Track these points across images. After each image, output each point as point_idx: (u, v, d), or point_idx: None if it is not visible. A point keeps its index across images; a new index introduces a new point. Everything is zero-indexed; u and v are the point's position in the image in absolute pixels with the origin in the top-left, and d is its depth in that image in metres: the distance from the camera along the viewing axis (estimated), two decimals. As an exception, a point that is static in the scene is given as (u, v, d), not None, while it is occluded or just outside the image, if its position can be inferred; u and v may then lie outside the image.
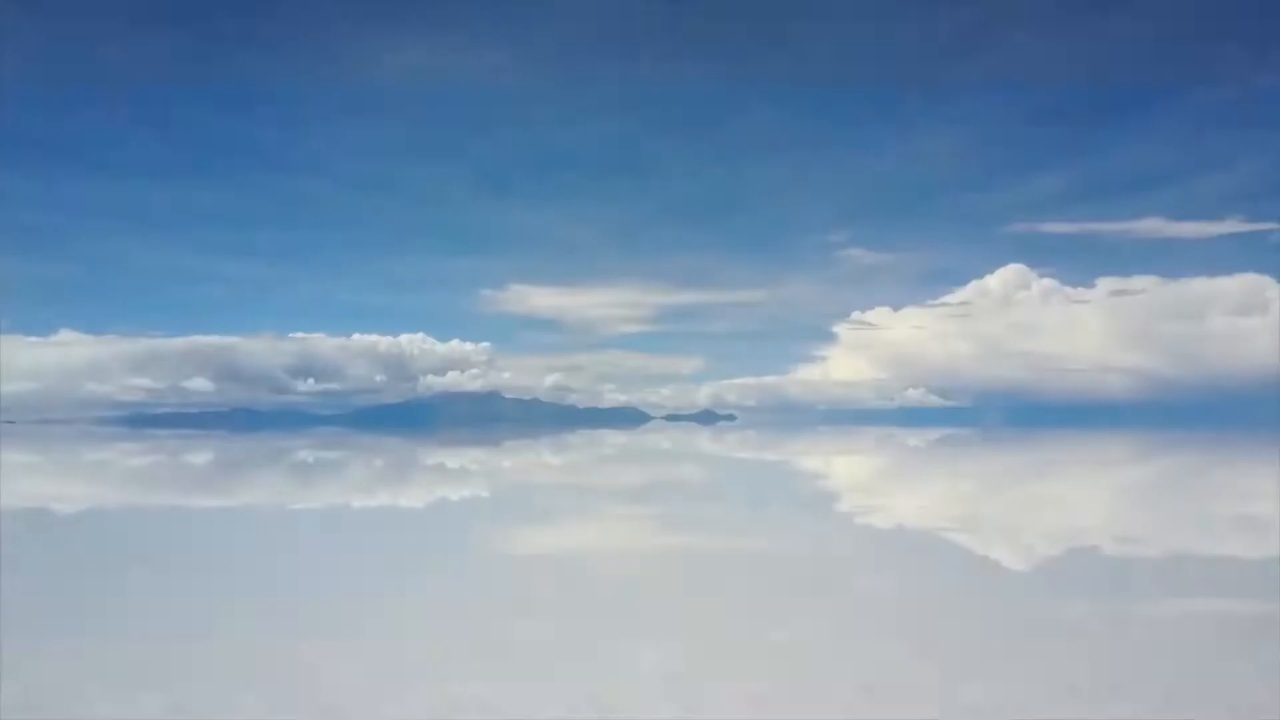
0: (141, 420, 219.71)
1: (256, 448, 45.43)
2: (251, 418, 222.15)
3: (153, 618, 6.94)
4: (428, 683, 5.28)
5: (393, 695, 5.04)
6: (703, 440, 61.01)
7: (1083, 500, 18.61)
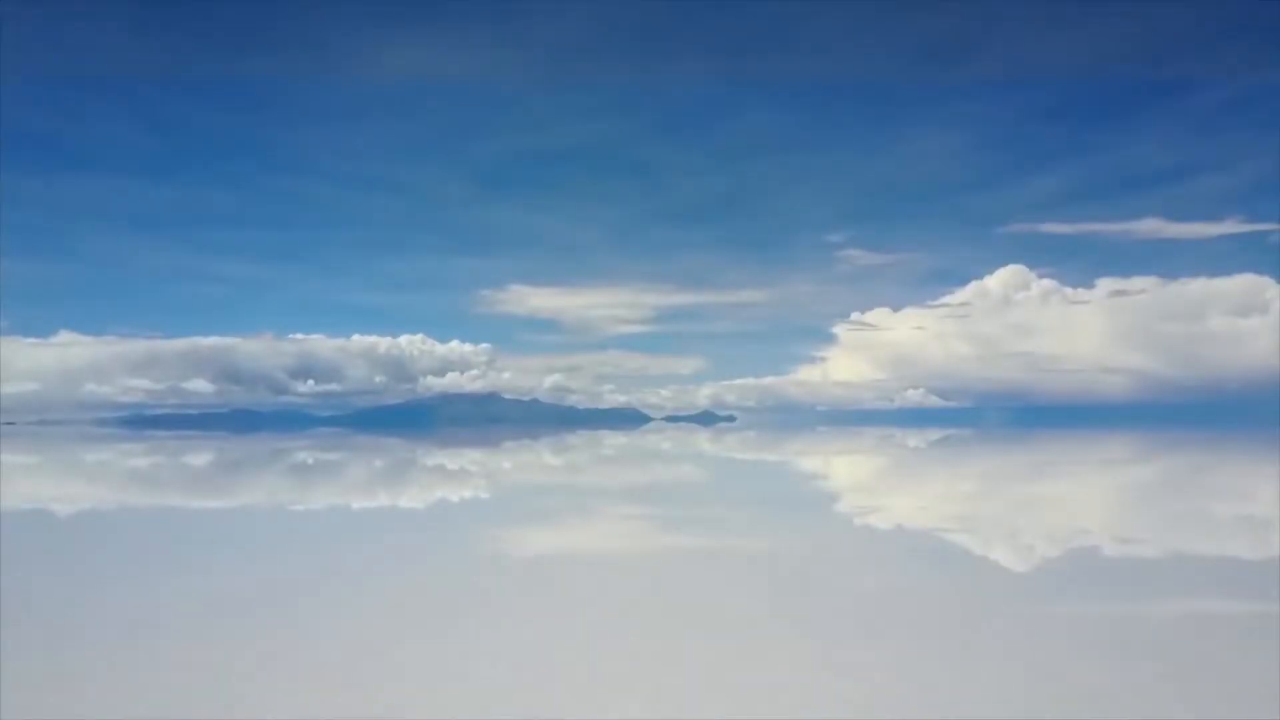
0: (141, 421, 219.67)
1: (256, 448, 45.44)
2: (251, 418, 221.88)
3: (152, 620, 6.94)
4: (428, 684, 5.28)
5: (393, 696, 5.04)
6: (703, 441, 61.03)
7: (1083, 500, 18.61)
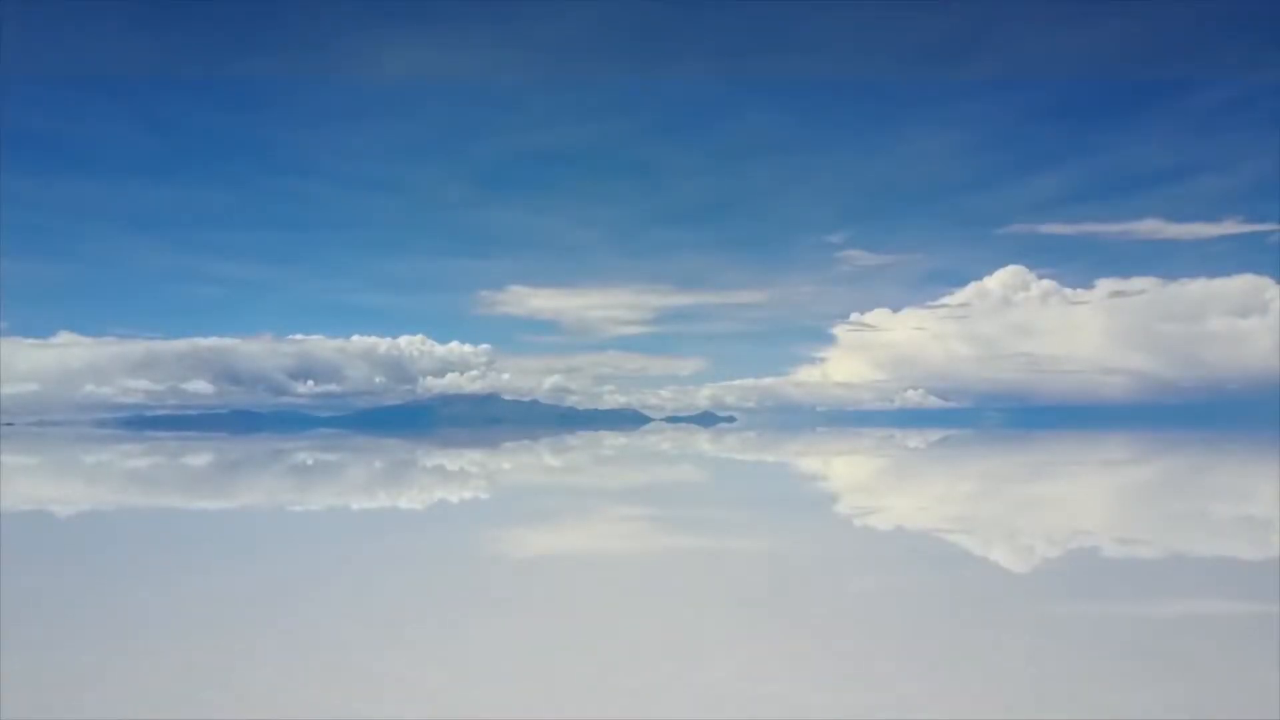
0: (141, 422, 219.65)
1: (256, 449, 45.43)
2: (251, 419, 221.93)
3: (152, 620, 6.94)
4: (429, 684, 5.28)
5: (392, 697, 5.04)
6: (703, 441, 61.02)
7: (1083, 500, 18.61)
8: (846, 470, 30.04)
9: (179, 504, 18.14)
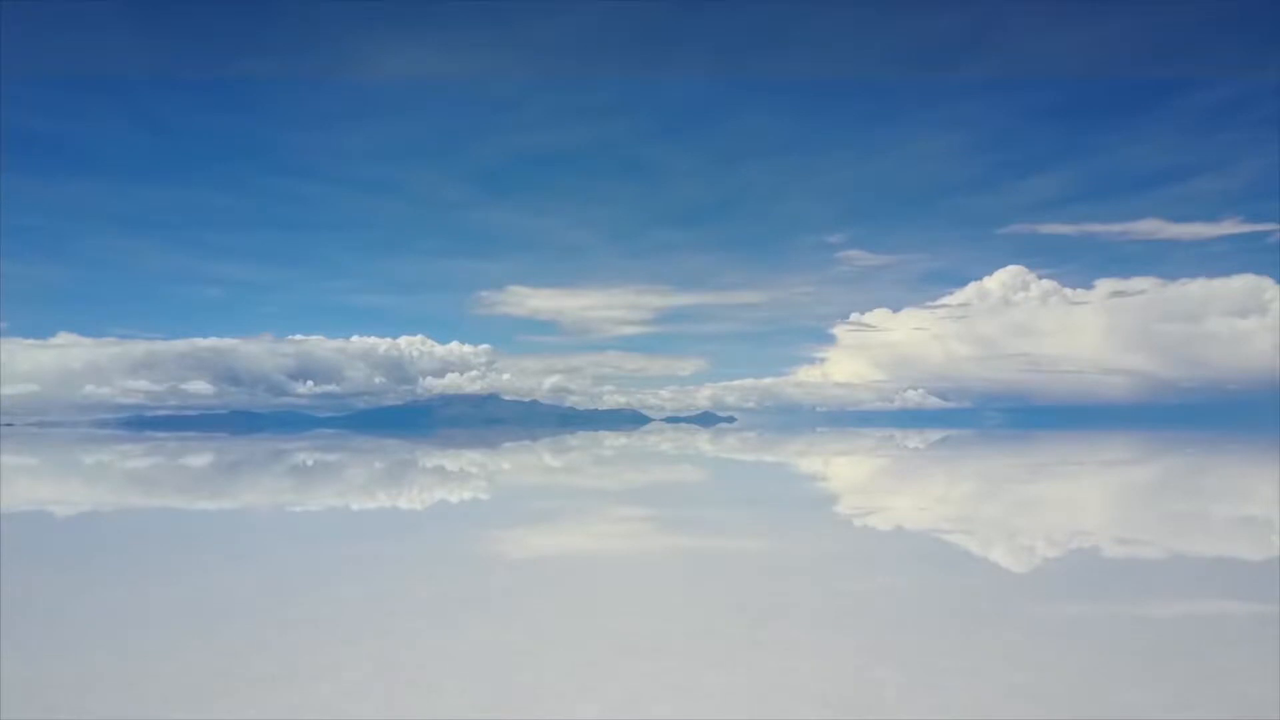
0: (141, 423, 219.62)
1: (255, 450, 45.42)
2: (250, 420, 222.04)
3: (152, 620, 6.94)
4: (428, 684, 5.28)
5: (392, 698, 5.04)
6: (702, 442, 61.00)
7: (1083, 501, 18.61)
8: (846, 470, 30.04)
9: (179, 504, 18.14)
